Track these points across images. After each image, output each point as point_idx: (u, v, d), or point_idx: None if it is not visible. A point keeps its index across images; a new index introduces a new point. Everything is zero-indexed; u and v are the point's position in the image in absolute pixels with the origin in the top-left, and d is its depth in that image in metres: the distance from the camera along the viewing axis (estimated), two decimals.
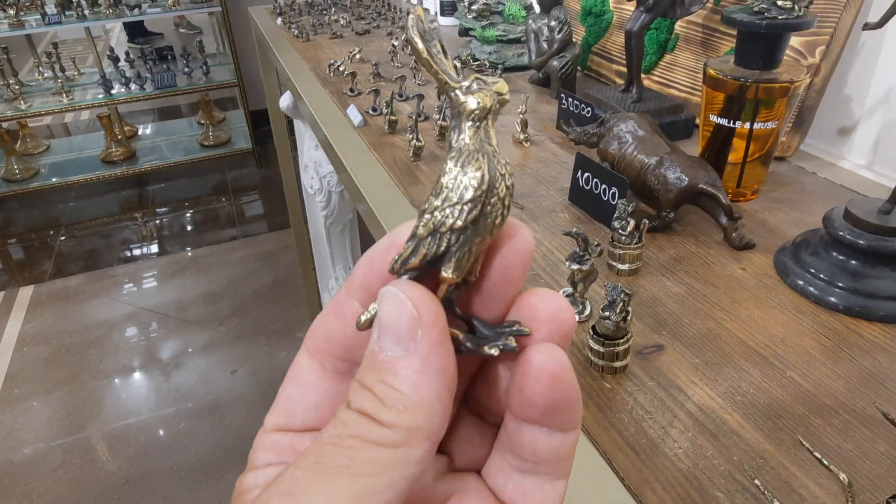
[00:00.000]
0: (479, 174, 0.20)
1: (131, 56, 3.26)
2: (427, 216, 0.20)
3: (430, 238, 0.20)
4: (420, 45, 0.21)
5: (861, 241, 0.53)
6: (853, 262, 0.55)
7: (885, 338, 0.52)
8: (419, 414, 0.18)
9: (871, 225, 0.53)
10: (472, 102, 0.20)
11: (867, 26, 0.56)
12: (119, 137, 3.28)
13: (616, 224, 0.60)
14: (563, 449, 0.20)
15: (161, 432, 1.90)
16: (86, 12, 2.90)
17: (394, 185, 0.80)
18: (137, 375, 2.13)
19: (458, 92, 0.20)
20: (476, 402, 0.23)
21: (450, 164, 0.20)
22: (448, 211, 0.20)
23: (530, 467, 0.21)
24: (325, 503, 0.16)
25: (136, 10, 3.00)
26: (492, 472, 0.22)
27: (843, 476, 0.35)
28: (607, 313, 0.48)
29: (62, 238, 2.94)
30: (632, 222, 0.60)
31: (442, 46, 0.22)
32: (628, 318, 0.48)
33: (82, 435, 1.90)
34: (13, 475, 1.78)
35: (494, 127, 0.21)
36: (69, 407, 2.00)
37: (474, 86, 0.20)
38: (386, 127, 0.93)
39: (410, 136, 0.84)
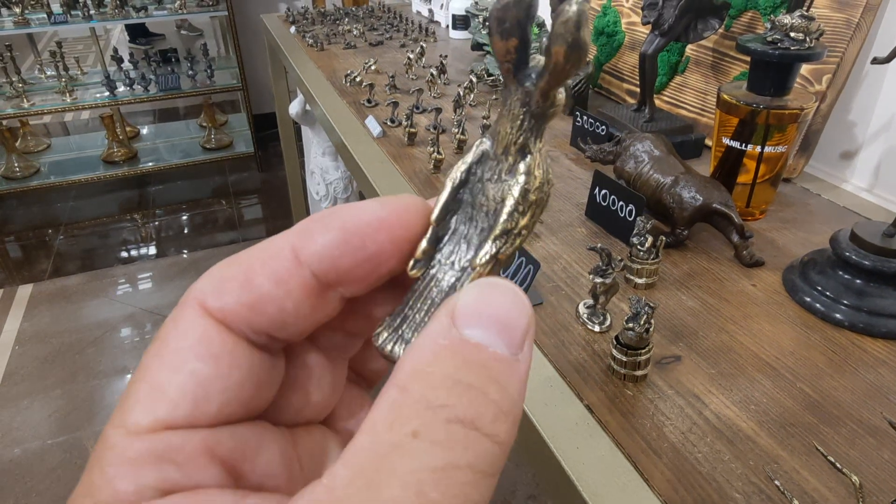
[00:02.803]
0: (541, 174, 0.18)
1: (135, 57, 3.28)
2: (504, 229, 0.19)
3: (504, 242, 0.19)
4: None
5: (866, 262, 0.57)
6: (858, 281, 0.58)
7: (888, 353, 0.55)
8: (515, 429, 0.15)
9: (876, 247, 0.57)
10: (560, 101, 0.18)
11: (875, 61, 0.59)
12: (121, 138, 3.29)
13: (634, 240, 0.63)
14: None
15: None
16: (92, 12, 2.92)
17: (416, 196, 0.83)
18: None
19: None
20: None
21: (527, 166, 0.18)
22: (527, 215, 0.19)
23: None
24: None
25: (141, 12, 3.03)
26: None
27: (854, 478, 0.38)
28: (631, 324, 0.51)
29: (61, 237, 2.95)
30: (650, 238, 0.63)
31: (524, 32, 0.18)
32: (650, 329, 0.51)
33: (81, 434, 1.90)
34: (11, 473, 1.78)
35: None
36: (68, 406, 2.00)
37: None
38: (405, 139, 0.96)
39: (431, 148, 0.87)
